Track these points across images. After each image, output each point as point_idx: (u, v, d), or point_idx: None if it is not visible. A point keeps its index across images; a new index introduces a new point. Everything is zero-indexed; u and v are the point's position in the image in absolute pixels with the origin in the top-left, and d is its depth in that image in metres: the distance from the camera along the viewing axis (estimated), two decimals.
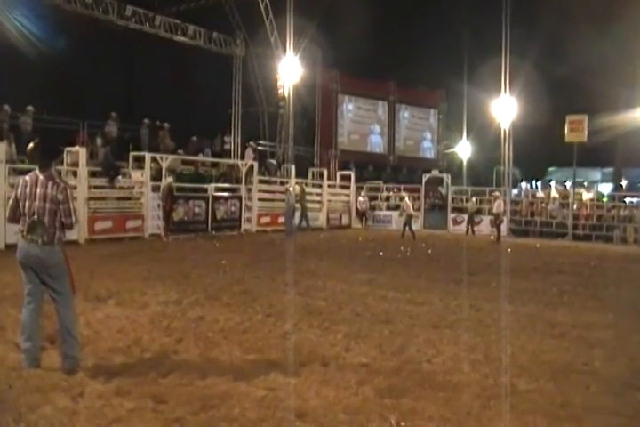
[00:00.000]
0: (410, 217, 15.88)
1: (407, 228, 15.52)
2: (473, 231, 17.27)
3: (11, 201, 3.93)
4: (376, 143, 27.94)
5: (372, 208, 20.73)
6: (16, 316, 4.42)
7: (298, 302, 6.20)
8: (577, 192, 18.73)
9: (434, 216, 19.85)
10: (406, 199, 16.61)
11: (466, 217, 18.35)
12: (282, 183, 17.75)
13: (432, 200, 21.43)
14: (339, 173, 21.89)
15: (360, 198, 20.27)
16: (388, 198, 21.33)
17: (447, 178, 21.29)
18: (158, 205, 13.40)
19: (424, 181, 20.67)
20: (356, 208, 20.35)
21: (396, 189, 21.61)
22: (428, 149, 30.28)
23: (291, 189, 15.51)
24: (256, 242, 13.53)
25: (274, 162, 19.69)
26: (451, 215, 19.48)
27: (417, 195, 20.32)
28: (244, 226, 15.85)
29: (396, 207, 20.41)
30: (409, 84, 27.47)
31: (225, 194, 15.65)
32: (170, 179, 13.59)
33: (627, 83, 19.71)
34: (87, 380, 3.62)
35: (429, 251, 12.38)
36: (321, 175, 20.13)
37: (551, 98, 21.70)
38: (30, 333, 3.84)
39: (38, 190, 3.79)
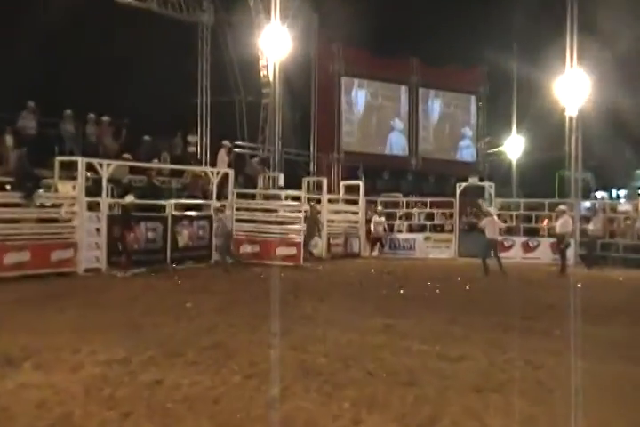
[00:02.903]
0: (495, 244, 15.23)
1: (492, 254, 15.00)
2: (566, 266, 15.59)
3: None
4: (395, 143, 27.72)
5: (390, 230, 20.74)
6: None
7: (289, 359, 6.19)
8: None
9: (472, 240, 19.07)
10: (494, 217, 15.61)
11: (519, 241, 18.29)
12: (267, 198, 17.61)
13: (469, 218, 21.16)
14: (343, 184, 21.76)
15: (375, 218, 20.19)
16: (409, 217, 21.16)
17: (490, 188, 21.10)
18: (97, 230, 13.39)
19: (458, 192, 20.33)
20: (369, 231, 20.18)
21: (419, 204, 21.58)
22: (463, 149, 29.92)
23: (220, 213, 15.18)
24: (233, 278, 13.32)
25: (257, 162, 19.25)
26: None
27: (449, 211, 20.33)
28: (217, 257, 15.67)
29: (422, 228, 20.74)
30: (438, 61, 27.07)
31: (190, 213, 15.70)
32: (130, 197, 13.75)
33: None
34: None
35: (467, 287, 12.34)
36: (319, 186, 19.72)
37: (637, 75, 21.59)
38: None
39: None
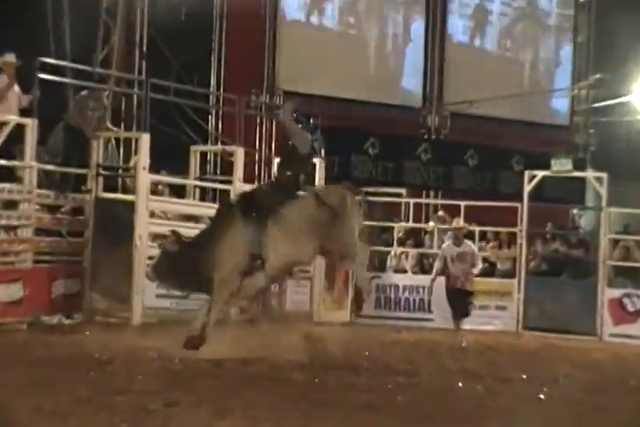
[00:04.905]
0: None
1: None
2: None
3: None
4: (395, 80, 22.63)
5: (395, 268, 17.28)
6: None
7: None
8: None
9: (556, 293, 16.94)
10: None
11: None
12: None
13: (552, 246, 17.87)
14: (278, 161, 18.54)
15: (453, 247, 16.02)
16: (419, 240, 17.76)
17: (599, 182, 17.47)
18: None
19: (528, 188, 16.75)
20: (446, 275, 15.89)
21: (442, 214, 17.93)
22: (543, 98, 24.98)
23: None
24: (30, 359, 10.86)
25: (89, 103, 16.25)
26: (607, 293, 16.47)
27: (505, 231, 17.35)
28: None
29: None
30: None
31: None
32: None
33: None
34: None
35: (542, 395, 11.33)
36: (227, 165, 17.13)
37: None
38: None
39: None
